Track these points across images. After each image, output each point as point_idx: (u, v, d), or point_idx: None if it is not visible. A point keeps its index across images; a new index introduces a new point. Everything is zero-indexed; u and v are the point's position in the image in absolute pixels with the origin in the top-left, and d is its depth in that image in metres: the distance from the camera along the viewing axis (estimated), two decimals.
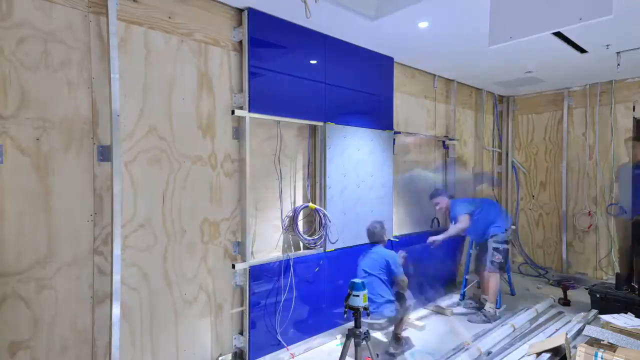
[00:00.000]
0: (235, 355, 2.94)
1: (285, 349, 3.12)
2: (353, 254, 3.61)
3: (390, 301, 3.11)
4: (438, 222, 4.91)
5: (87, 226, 2.23)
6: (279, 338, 3.10)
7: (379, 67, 3.94)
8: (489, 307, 3.99)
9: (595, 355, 2.48)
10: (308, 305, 3.33)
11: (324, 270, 3.45)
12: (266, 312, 3.03)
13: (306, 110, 3.31)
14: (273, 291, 3.08)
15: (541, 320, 3.85)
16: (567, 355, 2.70)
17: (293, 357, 3.16)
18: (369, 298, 2.61)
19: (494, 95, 5.78)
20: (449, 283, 4.92)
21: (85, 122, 2.22)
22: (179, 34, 2.60)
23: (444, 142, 4.96)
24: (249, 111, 2.87)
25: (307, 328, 3.32)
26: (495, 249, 3.99)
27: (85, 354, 2.24)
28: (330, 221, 3.43)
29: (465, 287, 4.61)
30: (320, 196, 3.44)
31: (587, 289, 4.07)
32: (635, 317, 3.24)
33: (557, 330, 3.54)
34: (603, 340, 2.74)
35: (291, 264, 3.18)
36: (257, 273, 2.97)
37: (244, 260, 2.90)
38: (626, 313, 3.33)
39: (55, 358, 2.13)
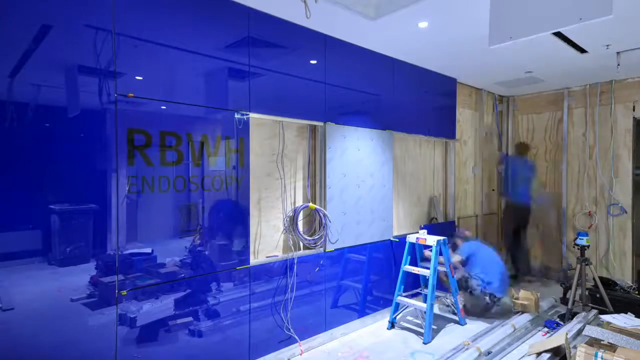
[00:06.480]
0: None
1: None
2: (353, 254, 3.62)
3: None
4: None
5: None
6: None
7: (379, 66, 3.94)
8: None
9: (595, 355, 2.48)
10: (309, 305, 3.33)
11: (325, 270, 3.45)
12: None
13: (306, 110, 3.31)
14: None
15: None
16: (567, 355, 2.70)
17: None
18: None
19: (494, 95, 5.78)
20: None
21: None
22: None
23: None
24: (250, 111, 2.88)
25: (309, 327, 3.33)
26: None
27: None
28: (330, 221, 3.43)
29: (396, 311, 3.78)
30: (320, 196, 3.44)
31: (587, 289, 4.07)
32: (635, 317, 3.25)
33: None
34: (603, 340, 2.74)
35: (294, 263, 3.18)
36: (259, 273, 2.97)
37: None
38: (626, 313, 3.34)
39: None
